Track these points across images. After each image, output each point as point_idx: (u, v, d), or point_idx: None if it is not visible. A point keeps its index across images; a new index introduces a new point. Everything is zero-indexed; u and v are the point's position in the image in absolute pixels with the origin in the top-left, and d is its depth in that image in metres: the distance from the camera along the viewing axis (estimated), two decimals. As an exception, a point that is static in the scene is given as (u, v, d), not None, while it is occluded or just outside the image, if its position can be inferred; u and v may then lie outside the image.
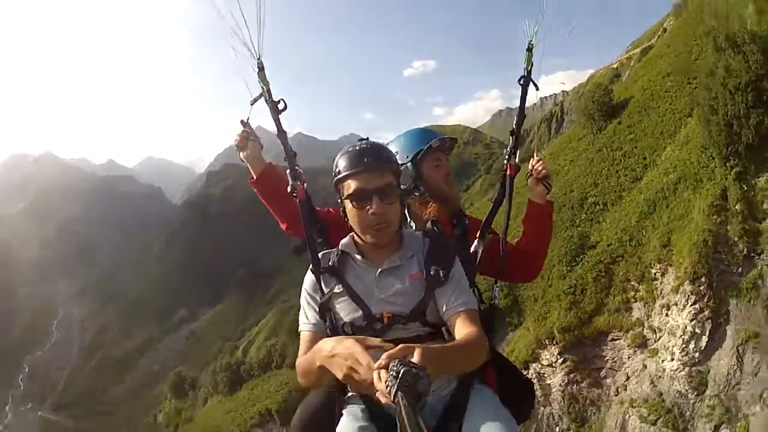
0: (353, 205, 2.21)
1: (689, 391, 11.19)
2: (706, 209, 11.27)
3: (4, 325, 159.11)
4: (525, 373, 11.91)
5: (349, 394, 2.24)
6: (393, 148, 2.87)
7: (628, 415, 11.85)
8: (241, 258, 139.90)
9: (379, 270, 2.26)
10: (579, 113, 22.22)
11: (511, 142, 2.93)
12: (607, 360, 12.87)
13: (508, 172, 2.88)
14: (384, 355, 1.51)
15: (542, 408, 13.74)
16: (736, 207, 11.08)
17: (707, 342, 11.14)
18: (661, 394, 11.50)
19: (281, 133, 2.80)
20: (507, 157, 2.96)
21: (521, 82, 2.88)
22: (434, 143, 2.90)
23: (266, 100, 2.75)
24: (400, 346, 1.56)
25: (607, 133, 18.46)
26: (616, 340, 12.76)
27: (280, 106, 2.73)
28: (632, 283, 12.78)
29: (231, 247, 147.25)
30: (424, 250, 2.33)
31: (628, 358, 12.46)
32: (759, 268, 10.95)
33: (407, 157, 2.95)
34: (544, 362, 13.94)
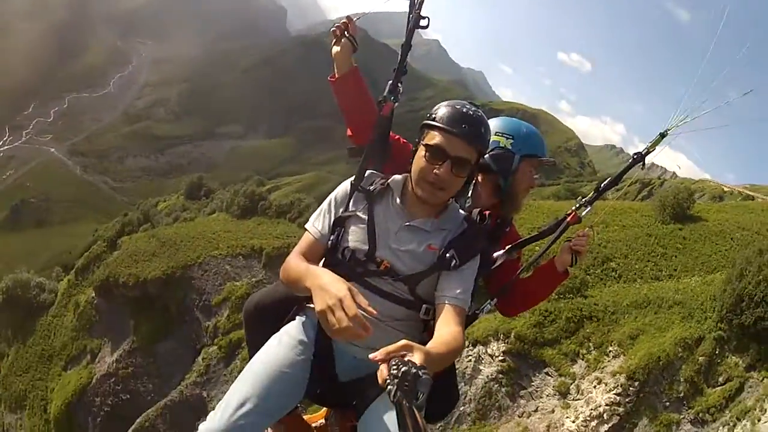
0: (426, 157, 2.28)
1: None
2: (677, 340, 12.88)
3: (64, 59, 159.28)
4: (468, 350, 14.10)
5: (311, 305, 2.17)
6: (503, 127, 3.05)
7: None
8: (320, 112, 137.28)
9: (408, 223, 2.36)
10: (658, 198, 23.11)
11: (591, 195, 2.97)
12: (532, 384, 14.71)
13: (568, 219, 2.96)
14: (383, 350, 1.55)
15: (463, 384, 15.91)
16: (699, 358, 12.45)
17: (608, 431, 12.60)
18: None
19: (407, 45, 2.75)
20: (578, 205, 3.00)
21: (634, 156, 2.89)
22: (546, 161, 3.14)
23: (411, 8, 2.70)
24: (401, 342, 1.59)
25: (664, 230, 19.69)
26: (549, 375, 14.55)
27: (423, 22, 2.69)
28: (590, 344, 14.52)
29: (317, 99, 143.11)
30: (457, 231, 2.42)
31: (547, 396, 14.21)
32: (681, 415, 12.21)
33: (520, 150, 3.01)
34: (489, 351, 15.96)
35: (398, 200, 2.41)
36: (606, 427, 12.61)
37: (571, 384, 14.03)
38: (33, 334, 30.76)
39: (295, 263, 2.33)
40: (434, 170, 2.25)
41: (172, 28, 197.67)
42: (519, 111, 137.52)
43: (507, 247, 2.89)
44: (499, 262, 2.86)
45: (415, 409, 1.30)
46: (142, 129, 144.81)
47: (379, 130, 2.65)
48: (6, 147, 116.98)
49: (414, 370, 1.39)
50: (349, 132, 2.87)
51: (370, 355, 1.56)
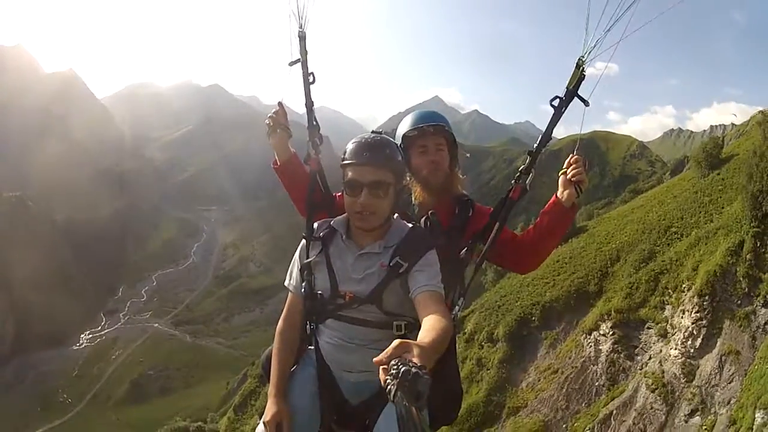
0: (346, 192, 2.47)
1: (681, 375, 14.97)
2: (724, 251, 15.57)
3: (143, 238, 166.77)
4: (586, 338, 17.18)
5: (311, 347, 2.65)
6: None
7: (640, 383, 15.92)
8: None
9: (358, 253, 2.53)
10: (692, 158, 25.59)
11: (528, 162, 2.87)
12: (641, 341, 17.34)
13: (511, 194, 2.86)
14: (383, 353, 1.54)
15: (592, 366, 18.65)
16: (747, 256, 14.95)
17: (700, 344, 14.98)
18: (664, 372, 15.47)
19: (309, 102, 3.08)
20: (515, 178, 2.89)
21: (552, 103, 2.77)
22: (409, 132, 3.01)
23: (302, 69, 3.03)
24: (396, 342, 1.59)
25: (706, 181, 22.16)
26: (650, 328, 17.18)
27: (311, 79, 3.03)
28: (668, 290, 17.17)
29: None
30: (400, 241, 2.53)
31: (654, 343, 16.74)
32: (753, 306, 14.43)
33: (397, 138, 3.04)
34: (601, 331, 18.79)
35: (344, 236, 2.59)
36: (699, 340, 15.20)
37: (666, 325, 16.71)
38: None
39: (275, 352, 2.66)
40: (357, 201, 2.43)
41: (228, 190, 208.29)
42: (574, 142, 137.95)
43: (468, 243, 2.87)
44: (467, 258, 2.84)
45: (415, 409, 1.30)
46: (238, 287, 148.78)
47: (311, 181, 2.96)
48: (106, 330, 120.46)
49: (414, 370, 1.39)
50: (299, 209, 3.05)
51: (374, 359, 1.55)
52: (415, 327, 2.30)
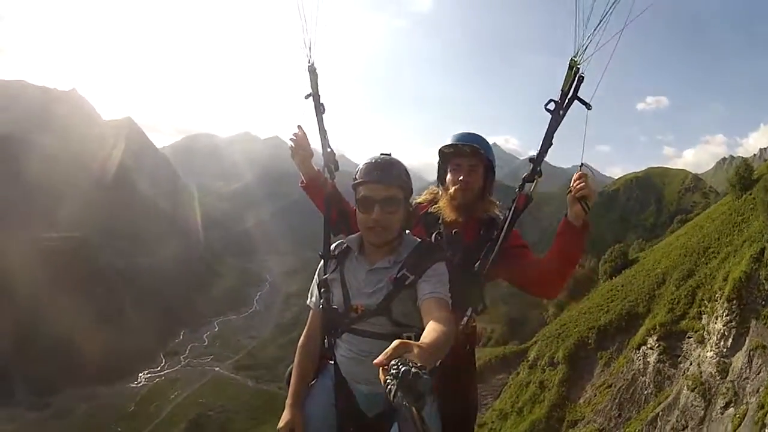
0: (359, 209, 2.59)
1: (716, 374, 16.25)
2: (748, 259, 17.10)
3: (205, 285, 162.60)
4: (636, 353, 18.98)
5: (332, 362, 2.78)
6: None
7: (682, 386, 17.25)
8: None
9: (369, 269, 2.64)
10: (728, 182, 27.02)
11: (529, 171, 2.85)
12: (683, 349, 18.82)
13: (516, 204, 2.86)
14: (383, 354, 1.54)
15: (641, 377, 20.18)
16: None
17: (731, 343, 16.32)
18: (701, 373, 16.81)
19: (322, 132, 3.18)
20: (518, 186, 2.88)
21: (548, 107, 2.74)
22: (445, 148, 3.13)
23: (314, 101, 3.19)
24: (395, 343, 1.59)
25: (739, 202, 23.62)
26: (690, 337, 18.66)
27: (322, 109, 3.16)
28: (704, 301, 18.67)
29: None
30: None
31: (693, 350, 18.16)
32: None
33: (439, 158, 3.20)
34: (648, 345, 20.36)
35: (357, 253, 2.72)
36: (730, 340, 16.65)
37: (703, 332, 18.27)
38: None
39: (295, 364, 2.90)
40: (370, 217, 2.54)
41: (288, 241, 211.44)
42: (631, 180, 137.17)
43: (479, 260, 2.86)
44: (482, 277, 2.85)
45: (416, 409, 1.30)
46: (300, 336, 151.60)
47: (327, 204, 3.10)
48: (166, 371, 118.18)
49: (414, 370, 1.39)
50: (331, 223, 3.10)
51: (375, 361, 1.54)
52: None
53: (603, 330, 24.49)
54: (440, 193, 3.18)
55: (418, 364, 1.43)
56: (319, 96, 3.21)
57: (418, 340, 2.15)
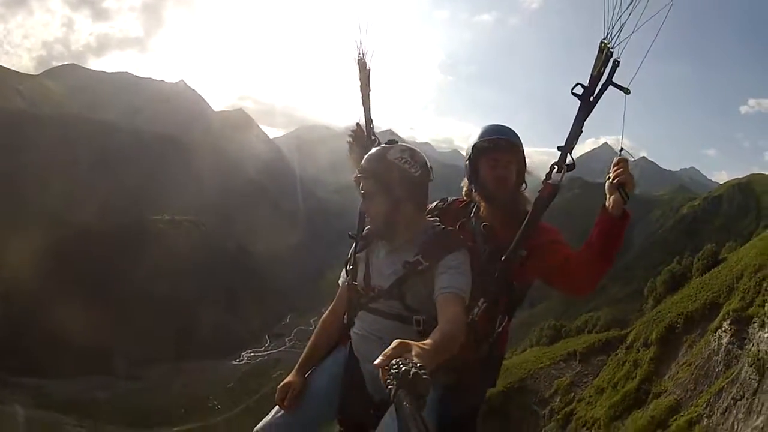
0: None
1: None
2: None
3: (316, 274, 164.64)
4: (712, 336, 22.48)
5: (350, 334, 2.95)
6: None
7: (744, 363, 18.69)
8: None
9: (389, 250, 2.83)
10: None
11: (559, 158, 2.85)
12: (749, 333, 21.32)
13: (542, 193, 2.87)
14: (382, 354, 1.60)
15: (714, 356, 23.29)
16: None
17: None
18: (759, 350, 18.02)
19: (368, 120, 3.54)
20: (546, 174, 2.86)
21: (574, 91, 2.72)
22: (482, 143, 3.02)
23: (362, 91, 3.51)
24: (395, 343, 1.67)
25: None
26: (755, 322, 21.18)
27: (369, 101, 3.48)
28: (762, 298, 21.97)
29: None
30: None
31: (756, 332, 20.37)
32: None
33: (470, 153, 3.09)
34: (723, 329, 23.06)
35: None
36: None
37: (765, 317, 20.93)
38: None
39: (313, 334, 3.13)
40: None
41: None
42: (733, 186, 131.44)
43: (506, 254, 2.84)
44: (507, 270, 2.84)
45: (415, 409, 1.30)
46: None
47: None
48: (270, 352, 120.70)
49: (414, 370, 1.41)
50: None
51: (375, 362, 1.60)
52: (434, 323, 2.35)
53: (689, 317, 27.59)
54: (473, 191, 3.13)
55: (419, 364, 1.46)
56: (369, 89, 3.45)
57: (428, 323, 2.51)
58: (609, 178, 2.68)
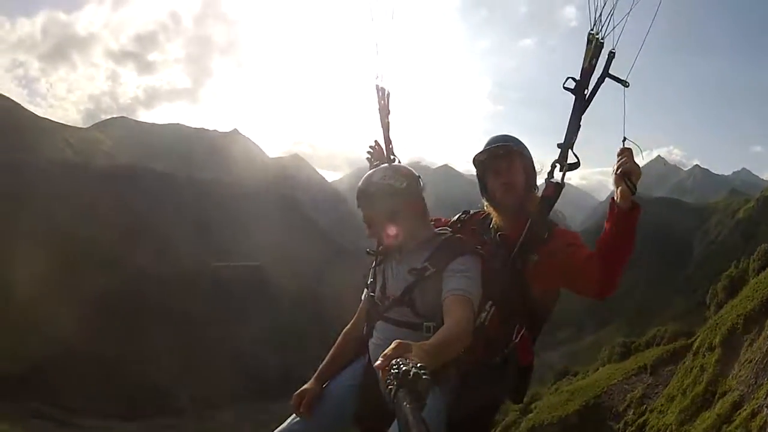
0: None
1: None
2: None
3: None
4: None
5: (369, 345, 2.92)
6: None
7: None
8: (629, 288, 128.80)
9: (401, 260, 2.85)
10: None
11: (560, 155, 2.77)
12: None
13: (545, 192, 2.83)
14: (382, 355, 1.59)
15: None
16: None
17: None
18: None
19: (387, 142, 3.63)
20: (548, 173, 2.83)
21: (566, 86, 2.66)
22: (479, 156, 3.05)
23: (380, 113, 3.61)
24: (394, 344, 1.66)
25: None
26: None
27: (388, 124, 3.60)
28: None
29: (624, 278, 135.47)
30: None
31: None
32: None
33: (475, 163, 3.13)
34: None
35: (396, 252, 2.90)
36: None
37: None
38: None
39: (334, 345, 3.14)
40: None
41: None
42: None
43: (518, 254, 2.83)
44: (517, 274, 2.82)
45: (416, 409, 1.29)
46: None
47: None
48: None
49: (414, 370, 1.40)
50: None
51: (375, 364, 1.59)
52: None
53: (748, 316, 28.16)
54: (486, 204, 3.14)
55: (419, 365, 1.45)
56: (388, 112, 3.61)
57: (432, 332, 2.52)
58: (614, 169, 2.50)
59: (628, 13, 2.41)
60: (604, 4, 2.41)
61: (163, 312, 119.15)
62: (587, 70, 2.59)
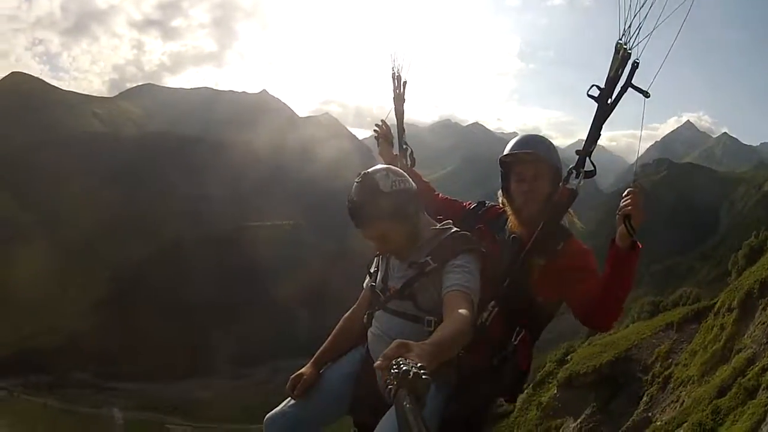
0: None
1: None
2: None
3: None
4: None
5: (367, 335, 2.89)
6: None
7: None
8: (657, 251, 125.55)
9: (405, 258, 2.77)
10: None
11: (577, 162, 2.74)
12: None
13: (556, 197, 2.79)
14: (381, 355, 1.57)
15: None
16: None
17: None
18: None
19: (400, 130, 3.64)
20: (563, 178, 2.79)
21: (590, 93, 2.61)
22: (504, 158, 2.98)
23: (395, 103, 3.64)
24: (395, 343, 1.63)
25: None
26: None
27: (402, 110, 3.62)
28: None
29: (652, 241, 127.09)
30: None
31: None
32: None
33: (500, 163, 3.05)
34: None
35: None
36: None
37: None
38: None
39: (333, 332, 3.10)
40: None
41: None
42: None
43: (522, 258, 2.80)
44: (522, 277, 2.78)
45: (415, 409, 1.28)
46: None
47: None
48: None
49: (414, 370, 1.38)
50: None
51: (375, 364, 1.58)
52: None
53: (764, 282, 30.32)
54: (504, 204, 3.06)
55: (419, 364, 1.43)
56: (403, 101, 3.66)
57: (433, 326, 2.49)
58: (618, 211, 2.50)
59: (656, 26, 2.40)
60: (634, 15, 2.42)
61: (200, 274, 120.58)
62: (613, 80, 2.57)
